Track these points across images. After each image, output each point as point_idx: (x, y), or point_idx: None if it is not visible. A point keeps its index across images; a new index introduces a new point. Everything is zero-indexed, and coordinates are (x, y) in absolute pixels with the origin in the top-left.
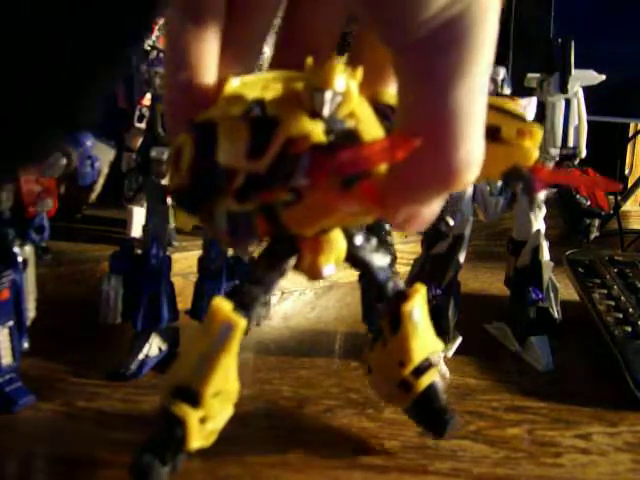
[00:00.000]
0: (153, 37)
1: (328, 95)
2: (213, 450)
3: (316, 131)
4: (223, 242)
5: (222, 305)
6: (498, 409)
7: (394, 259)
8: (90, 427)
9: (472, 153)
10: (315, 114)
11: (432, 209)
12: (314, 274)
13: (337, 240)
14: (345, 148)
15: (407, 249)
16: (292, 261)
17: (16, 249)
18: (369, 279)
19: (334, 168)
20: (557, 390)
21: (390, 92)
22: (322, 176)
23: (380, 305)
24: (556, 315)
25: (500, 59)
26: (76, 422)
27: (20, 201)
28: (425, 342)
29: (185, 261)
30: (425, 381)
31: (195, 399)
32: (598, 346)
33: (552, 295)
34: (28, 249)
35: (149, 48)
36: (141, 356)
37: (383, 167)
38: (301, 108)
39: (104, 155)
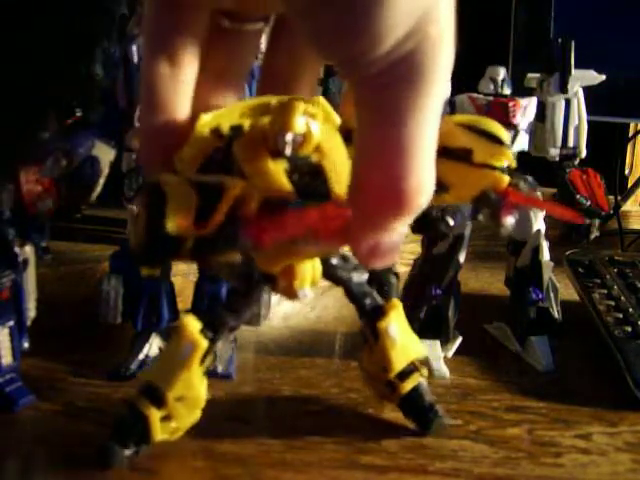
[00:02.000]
0: None
1: (289, 137)
2: (214, 450)
3: (277, 168)
4: (204, 266)
5: (190, 324)
6: (498, 409)
7: None
8: (90, 427)
9: (422, 182)
10: (278, 153)
11: (393, 240)
12: (290, 296)
13: (311, 264)
14: (287, 212)
15: (407, 249)
16: (267, 289)
17: (16, 249)
18: (347, 296)
19: (276, 234)
20: (557, 390)
21: None
22: (266, 241)
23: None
24: (556, 315)
25: (500, 59)
26: (76, 422)
27: (20, 201)
28: (405, 352)
29: None
30: (408, 385)
31: (159, 400)
32: (598, 346)
33: (552, 295)
34: (28, 249)
35: None
36: (141, 356)
37: (341, 195)
38: (264, 147)
39: (105, 155)
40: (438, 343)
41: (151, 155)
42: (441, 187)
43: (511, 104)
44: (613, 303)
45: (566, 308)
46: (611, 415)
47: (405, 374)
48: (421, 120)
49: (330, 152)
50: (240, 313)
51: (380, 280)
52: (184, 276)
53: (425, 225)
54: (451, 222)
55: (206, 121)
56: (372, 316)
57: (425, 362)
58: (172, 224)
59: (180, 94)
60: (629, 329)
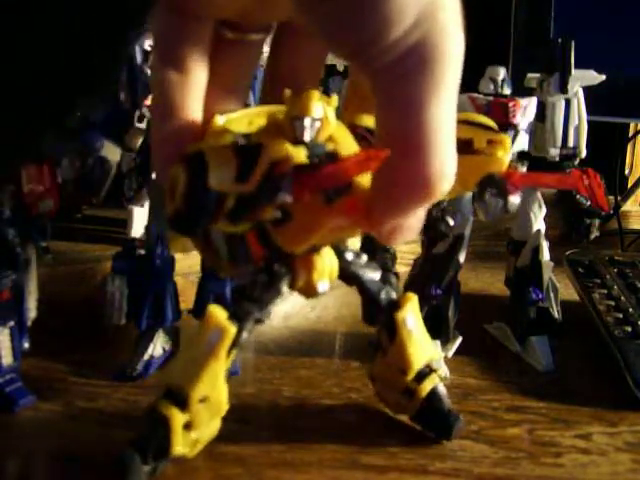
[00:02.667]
0: None
1: (307, 121)
2: (214, 450)
3: (298, 154)
4: (222, 269)
5: (216, 312)
6: (498, 409)
7: (394, 259)
8: (90, 427)
9: (445, 166)
10: (297, 141)
11: (414, 221)
12: (309, 292)
13: (329, 257)
14: (324, 166)
15: (407, 249)
16: (287, 282)
17: (17, 249)
18: (361, 293)
19: (315, 184)
20: (557, 390)
21: (366, 116)
22: (305, 192)
23: (374, 317)
24: (556, 315)
25: (500, 59)
26: (76, 422)
27: (21, 201)
28: (422, 348)
29: (185, 261)
30: (427, 386)
31: (182, 401)
32: (598, 346)
33: (552, 295)
34: (29, 249)
35: (150, 49)
36: (146, 356)
37: (365, 182)
38: (283, 137)
39: (112, 155)
40: (438, 343)
41: (165, 159)
42: None
43: (511, 104)
44: (613, 303)
45: (566, 308)
46: (611, 415)
47: (422, 376)
48: (439, 107)
49: (343, 140)
50: (264, 304)
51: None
52: (184, 276)
53: (425, 225)
54: (451, 222)
55: (220, 123)
56: (388, 309)
57: (439, 366)
58: (214, 182)
59: (191, 98)
60: (629, 329)
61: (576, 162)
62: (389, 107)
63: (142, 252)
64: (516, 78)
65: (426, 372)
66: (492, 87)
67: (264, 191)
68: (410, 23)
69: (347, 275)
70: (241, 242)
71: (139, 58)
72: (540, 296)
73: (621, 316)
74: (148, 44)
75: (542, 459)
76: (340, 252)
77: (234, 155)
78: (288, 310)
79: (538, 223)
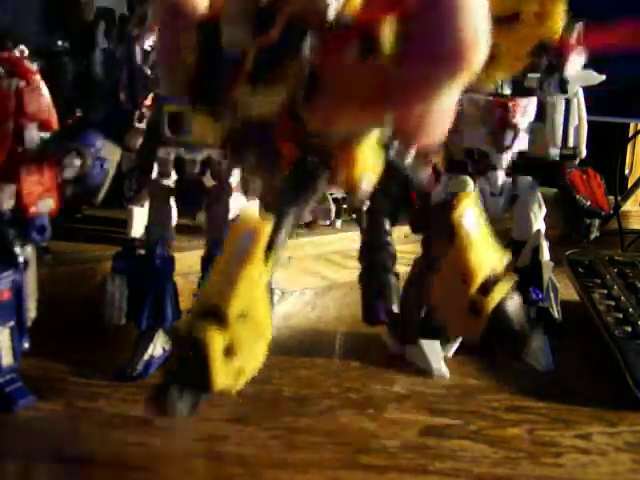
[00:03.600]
0: (154, 37)
1: None
2: (214, 450)
3: (323, 4)
4: (249, 169)
5: (247, 214)
6: (498, 409)
7: (394, 259)
8: (90, 427)
9: (477, 30)
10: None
11: (444, 106)
12: (351, 186)
13: (371, 149)
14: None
15: (407, 249)
16: (324, 179)
17: (17, 249)
18: (409, 191)
19: (348, 32)
20: (557, 390)
21: None
22: (337, 41)
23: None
24: (556, 315)
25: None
26: (76, 422)
27: (21, 201)
28: (486, 253)
29: (185, 261)
30: (494, 298)
31: (219, 318)
32: (598, 346)
33: (552, 295)
34: (29, 249)
35: (150, 49)
36: (146, 356)
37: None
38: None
39: (112, 155)
40: (438, 343)
41: (172, 48)
42: (492, 56)
43: (511, 104)
44: (613, 303)
45: (566, 308)
46: (611, 415)
47: (488, 286)
48: None
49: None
50: (299, 199)
51: (380, 280)
52: (184, 276)
53: (425, 225)
54: None
55: None
56: (442, 209)
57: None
58: (229, 33)
59: None
60: (629, 329)
61: (576, 162)
62: None
63: (142, 252)
64: (516, 78)
65: (492, 282)
66: (492, 87)
67: (287, 39)
68: None
69: (392, 172)
70: (269, 146)
71: (139, 58)
72: (540, 296)
73: (621, 316)
74: (148, 44)
75: (542, 459)
76: (384, 146)
77: (252, 9)
78: (288, 310)
79: (538, 223)
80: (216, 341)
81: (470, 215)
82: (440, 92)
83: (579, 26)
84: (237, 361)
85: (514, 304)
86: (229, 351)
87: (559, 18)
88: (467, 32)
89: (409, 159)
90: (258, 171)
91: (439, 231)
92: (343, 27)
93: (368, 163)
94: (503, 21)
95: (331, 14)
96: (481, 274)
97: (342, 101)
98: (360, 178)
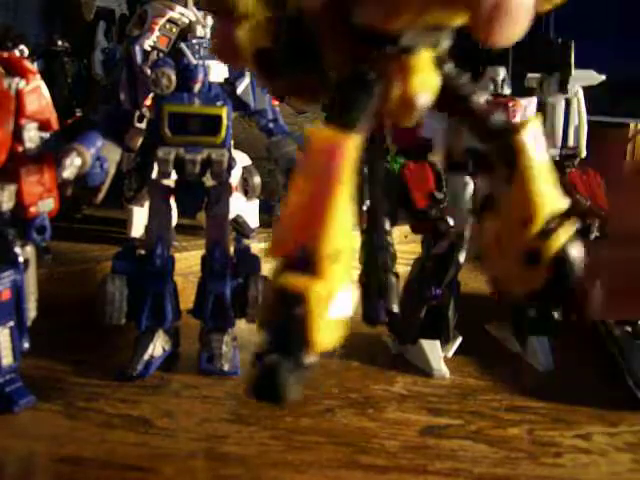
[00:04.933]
0: (154, 37)
1: None
2: (214, 450)
3: None
4: (289, 94)
5: (320, 131)
6: (498, 409)
7: (394, 259)
8: (90, 427)
9: None
10: None
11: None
12: (407, 104)
13: (427, 64)
14: None
15: (407, 249)
16: (378, 90)
17: (17, 249)
18: (466, 114)
19: None
20: (557, 390)
21: None
22: None
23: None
24: (556, 315)
25: (500, 59)
26: (76, 422)
27: (21, 201)
28: (549, 189)
29: (185, 261)
30: (556, 241)
31: (312, 265)
32: (598, 346)
33: None
34: (29, 249)
35: (150, 49)
36: (146, 356)
37: None
38: None
39: (111, 155)
40: (438, 343)
41: None
42: None
43: (511, 104)
44: None
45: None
46: (611, 415)
47: (550, 229)
48: None
49: None
50: (365, 106)
51: (380, 280)
52: (184, 276)
53: (425, 225)
54: (451, 222)
55: None
56: (504, 133)
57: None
58: None
59: None
60: (629, 329)
61: (576, 162)
62: None
63: (142, 252)
64: (516, 78)
65: (553, 226)
66: (492, 87)
67: None
68: None
69: (449, 91)
70: (311, 49)
71: (139, 58)
72: None
73: None
74: (148, 44)
75: (542, 459)
76: (440, 63)
77: None
78: None
79: None
80: (314, 291)
81: (535, 139)
82: None
83: None
84: (336, 310)
85: (578, 252)
86: (327, 297)
87: None
88: None
89: (465, 78)
90: (298, 91)
91: (499, 160)
92: None
93: (425, 79)
94: None
95: None
96: (544, 213)
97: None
98: (416, 94)
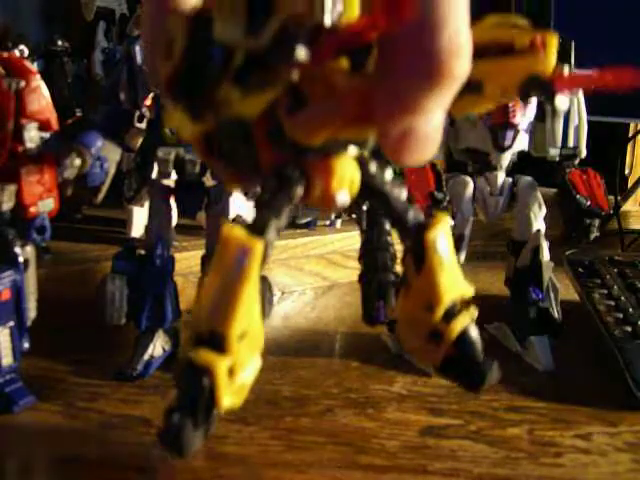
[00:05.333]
0: None
1: None
2: (214, 450)
3: (320, 10)
4: (229, 181)
5: (234, 231)
6: (498, 409)
7: (394, 259)
8: (90, 427)
9: (456, 37)
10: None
11: (430, 123)
12: (326, 202)
13: (349, 164)
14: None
15: None
16: (301, 188)
17: (17, 249)
18: (386, 211)
19: (338, 41)
20: (557, 390)
21: None
22: (326, 52)
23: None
24: (556, 315)
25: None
26: (76, 422)
27: (21, 201)
28: (453, 279)
29: (185, 261)
30: (457, 326)
31: (220, 344)
32: (598, 346)
33: (552, 295)
34: (29, 249)
35: None
36: (146, 356)
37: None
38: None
39: (111, 155)
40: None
41: (156, 44)
42: (479, 86)
43: (511, 104)
44: (613, 303)
45: (566, 308)
46: (611, 415)
47: (452, 314)
48: None
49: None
50: (279, 210)
51: (380, 280)
52: (184, 276)
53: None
54: (451, 222)
55: None
56: (416, 231)
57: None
58: (221, 30)
59: None
60: (629, 329)
61: (576, 162)
62: None
63: (142, 252)
64: None
65: (457, 310)
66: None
67: (278, 46)
68: None
69: (370, 189)
70: (247, 149)
71: (139, 58)
72: (540, 296)
73: (621, 316)
74: None
75: (542, 459)
76: (362, 162)
77: (245, 3)
78: (288, 310)
79: (538, 223)
80: (220, 366)
81: (443, 237)
82: (422, 106)
83: (567, 66)
84: (238, 378)
85: (476, 334)
86: (232, 371)
87: (552, 53)
88: (447, 39)
89: (388, 176)
90: (233, 174)
91: (411, 253)
92: (336, 37)
93: (346, 177)
94: (494, 51)
95: (327, 20)
96: (447, 301)
97: (327, 115)
98: (336, 192)
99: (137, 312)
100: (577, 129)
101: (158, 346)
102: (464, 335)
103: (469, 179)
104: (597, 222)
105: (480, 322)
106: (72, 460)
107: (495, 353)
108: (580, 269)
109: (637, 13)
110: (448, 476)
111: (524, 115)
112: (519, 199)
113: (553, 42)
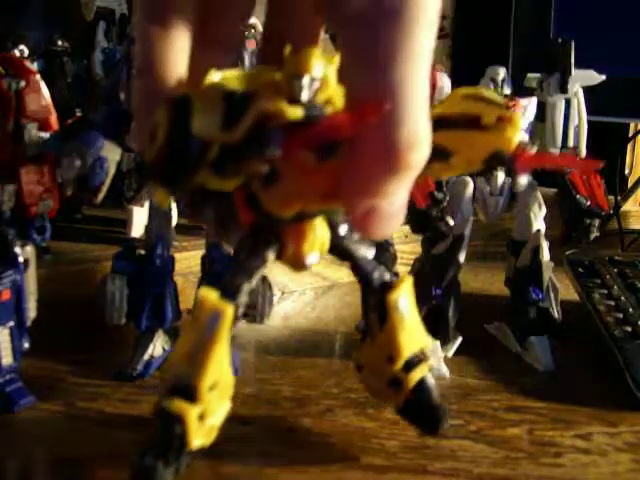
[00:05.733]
0: None
1: (306, 80)
2: (214, 449)
3: (294, 112)
4: (215, 236)
5: (208, 295)
6: (498, 409)
7: (394, 259)
8: (90, 427)
9: (416, 132)
10: (294, 101)
11: (392, 204)
12: (297, 263)
13: (320, 228)
14: (317, 122)
15: (407, 249)
16: (274, 251)
17: (17, 249)
18: (354, 271)
19: (307, 138)
20: (557, 390)
21: None
22: (296, 147)
23: (367, 298)
24: (556, 315)
25: (500, 59)
26: (76, 422)
27: (21, 201)
28: (414, 335)
29: (185, 261)
30: (415, 376)
31: (191, 394)
32: (598, 346)
33: (552, 295)
34: (29, 249)
35: None
36: (146, 356)
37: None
38: (279, 95)
39: (112, 155)
40: (438, 343)
41: (143, 113)
42: (447, 154)
43: (511, 104)
44: (613, 303)
45: (566, 308)
46: (611, 415)
47: (412, 364)
48: (409, 65)
49: (341, 104)
50: (251, 273)
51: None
52: (184, 276)
53: (425, 225)
54: (451, 222)
55: (215, 79)
56: (381, 290)
57: (430, 355)
58: (198, 127)
59: (173, 53)
60: (629, 329)
61: None
62: (355, 63)
63: (142, 252)
64: (516, 78)
65: (415, 361)
66: (492, 87)
67: (251, 142)
68: None
69: (339, 250)
70: (229, 208)
71: None
72: (540, 296)
73: (621, 316)
74: None
75: (542, 459)
76: (333, 225)
77: (222, 100)
78: (288, 310)
79: (538, 223)
80: (190, 414)
81: (405, 298)
82: (384, 191)
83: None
84: (208, 421)
85: (432, 382)
86: (202, 417)
87: (517, 130)
88: (406, 133)
89: (357, 237)
90: (216, 228)
91: (374, 311)
92: (307, 134)
93: (317, 241)
94: (463, 123)
95: (304, 98)
96: (406, 355)
97: (299, 193)
98: (306, 255)
99: (137, 312)
100: (577, 129)
101: (158, 346)
102: (421, 384)
103: (469, 179)
104: (597, 222)
105: (480, 322)
106: (72, 460)
107: (495, 353)
108: (580, 269)
109: (637, 13)
110: (448, 476)
111: (524, 115)
112: (519, 199)
113: (518, 120)
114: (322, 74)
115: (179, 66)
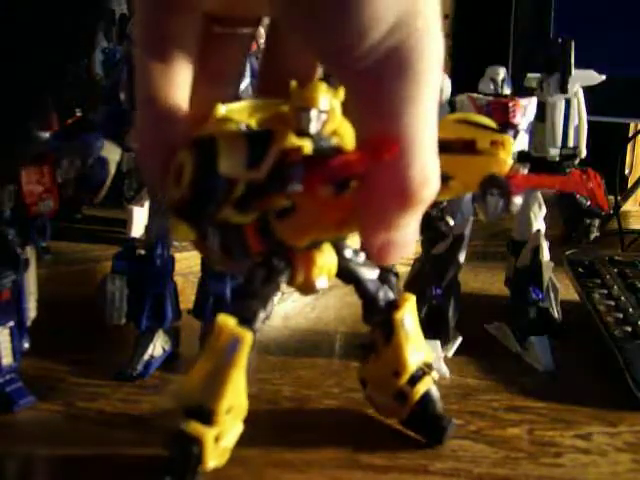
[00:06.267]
0: None
1: (313, 113)
2: None
3: (306, 145)
4: (217, 262)
5: (227, 321)
6: (498, 409)
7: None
8: (90, 427)
9: (427, 171)
10: (302, 133)
11: (405, 235)
12: (307, 288)
13: (328, 254)
14: (334, 156)
15: None
16: (286, 277)
17: (17, 249)
18: (359, 292)
19: (327, 174)
20: (557, 390)
21: None
22: (316, 182)
23: (371, 317)
24: (556, 315)
25: (500, 59)
26: (76, 422)
27: (21, 201)
28: (418, 350)
29: (185, 261)
30: (420, 389)
31: (209, 417)
32: (598, 346)
33: (552, 295)
34: (29, 249)
35: None
36: (146, 356)
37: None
38: (288, 127)
39: (112, 156)
40: (438, 343)
41: (147, 146)
42: (445, 178)
43: (511, 104)
44: (613, 303)
45: (566, 308)
46: (611, 415)
47: (417, 378)
48: (418, 110)
49: (348, 135)
50: (266, 299)
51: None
52: (184, 276)
53: (425, 225)
54: (451, 222)
55: (222, 112)
56: (387, 309)
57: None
58: (225, 167)
59: (175, 87)
60: (629, 329)
61: (576, 162)
62: (368, 111)
63: (142, 252)
64: (516, 78)
65: (420, 374)
66: (492, 87)
67: (275, 179)
68: (387, 28)
69: (345, 273)
70: (237, 235)
71: None
72: (540, 296)
73: (621, 316)
74: None
75: (542, 459)
76: (339, 249)
77: (245, 141)
78: (288, 310)
79: (538, 223)
80: (208, 436)
81: (409, 316)
82: (399, 224)
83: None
84: (223, 443)
85: (436, 394)
86: (217, 439)
87: (509, 154)
88: (417, 172)
89: (361, 260)
90: (223, 257)
91: (380, 329)
92: (325, 170)
93: (325, 266)
94: (458, 147)
95: (312, 130)
96: (411, 369)
97: (314, 224)
98: (316, 280)
99: (137, 312)
100: (577, 129)
101: (158, 346)
102: (426, 395)
103: None
104: (597, 222)
105: (480, 322)
106: (72, 460)
107: (495, 353)
108: (580, 269)
109: (637, 13)
110: (448, 476)
111: (524, 115)
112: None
113: (510, 143)
114: (328, 107)
115: (180, 100)
